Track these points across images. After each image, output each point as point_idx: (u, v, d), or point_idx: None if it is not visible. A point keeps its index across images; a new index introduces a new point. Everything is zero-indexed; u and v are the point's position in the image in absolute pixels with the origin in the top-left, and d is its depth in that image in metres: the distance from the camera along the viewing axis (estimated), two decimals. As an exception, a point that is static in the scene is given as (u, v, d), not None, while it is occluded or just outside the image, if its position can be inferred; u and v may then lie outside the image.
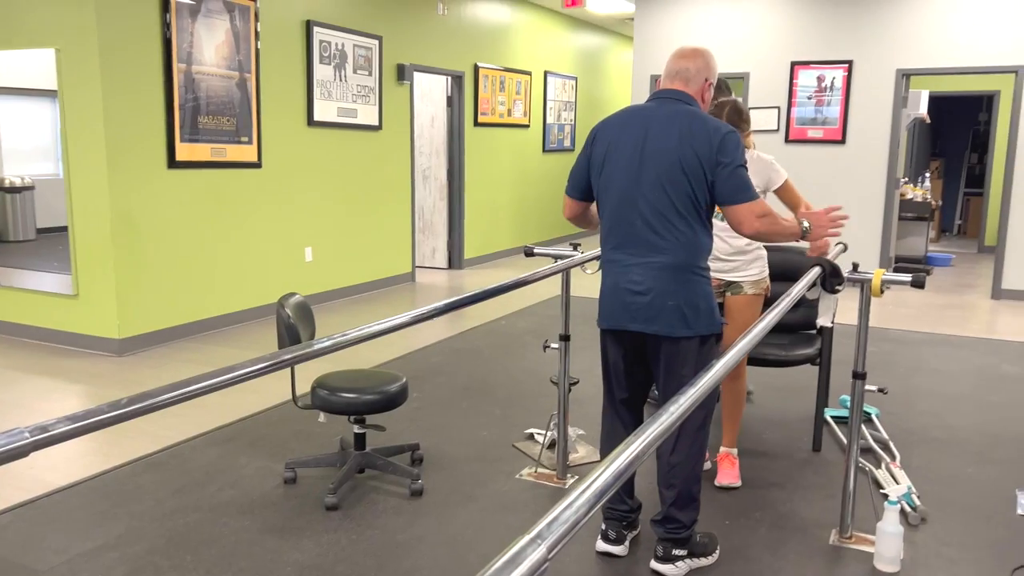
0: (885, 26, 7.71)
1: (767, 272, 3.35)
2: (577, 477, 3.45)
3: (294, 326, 3.05)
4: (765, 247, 3.37)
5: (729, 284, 3.31)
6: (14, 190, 5.63)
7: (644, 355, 2.63)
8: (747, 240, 3.17)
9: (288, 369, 3.22)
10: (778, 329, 3.89)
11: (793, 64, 8.08)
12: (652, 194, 2.42)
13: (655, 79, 8.81)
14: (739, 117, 3.09)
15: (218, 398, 4.37)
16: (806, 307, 3.48)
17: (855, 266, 2.86)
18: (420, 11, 7.79)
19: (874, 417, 4.14)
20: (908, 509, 3.10)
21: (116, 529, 2.92)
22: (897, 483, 3.35)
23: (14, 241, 5.70)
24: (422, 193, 8.75)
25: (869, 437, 3.81)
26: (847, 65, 7.86)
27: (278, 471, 3.43)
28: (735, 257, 3.28)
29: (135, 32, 5.14)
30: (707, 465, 3.35)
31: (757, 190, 3.09)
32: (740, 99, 3.18)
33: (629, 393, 2.74)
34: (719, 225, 3.08)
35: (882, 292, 2.77)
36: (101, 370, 4.93)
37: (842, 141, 7.97)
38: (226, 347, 5.46)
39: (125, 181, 5.18)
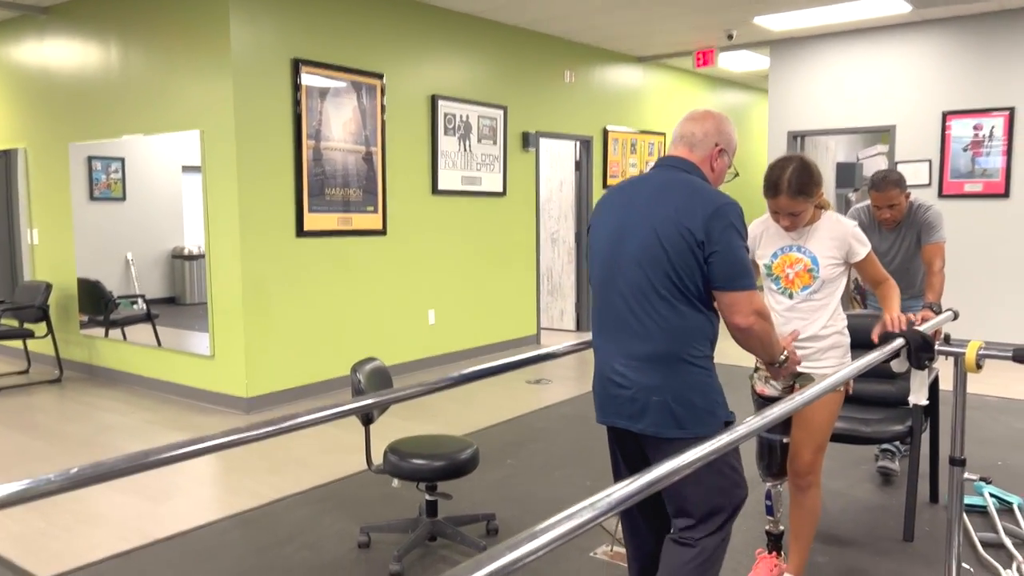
0: (1050, 69, 7.06)
1: (848, 363, 2.90)
2: (655, 558, 3.26)
3: (362, 392, 3.12)
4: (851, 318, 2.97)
5: (798, 375, 2.73)
6: (191, 258, 6.20)
7: (647, 457, 2.21)
8: (822, 323, 2.69)
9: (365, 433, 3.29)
10: (869, 403, 3.55)
11: (945, 114, 7.53)
12: (630, 273, 2.11)
13: (792, 136, 8.49)
14: (808, 177, 2.61)
15: (322, 458, 4.53)
16: (903, 380, 3.17)
17: (947, 338, 2.59)
18: (546, 80, 7.97)
19: (1016, 508, 3.65)
20: (1033, 618, 2.69)
21: (193, 584, 3.06)
22: (1027, 586, 2.92)
23: (189, 304, 6.26)
24: (551, 256, 8.82)
25: (1001, 531, 3.36)
26: (1008, 112, 7.23)
27: (356, 534, 3.49)
28: (806, 344, 2.70)
29: (268, 113, 5.59)
30: None
31: (834, 260, 2.69)
32: (808, 157, 2.76)
33: (643, 508, 2.32)
34: (788, 303, 2.73)
35: (979, 367, 2.47)
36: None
37: (1005, 194, 7.29)
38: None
39: (255, 250, 5.58)
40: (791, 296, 2.72)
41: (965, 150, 7.48)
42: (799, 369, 2.71)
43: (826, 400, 2.71)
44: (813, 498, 2.78)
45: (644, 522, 2.38)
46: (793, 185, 2.57)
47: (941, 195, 7.56)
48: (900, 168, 7.65)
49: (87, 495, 3.98)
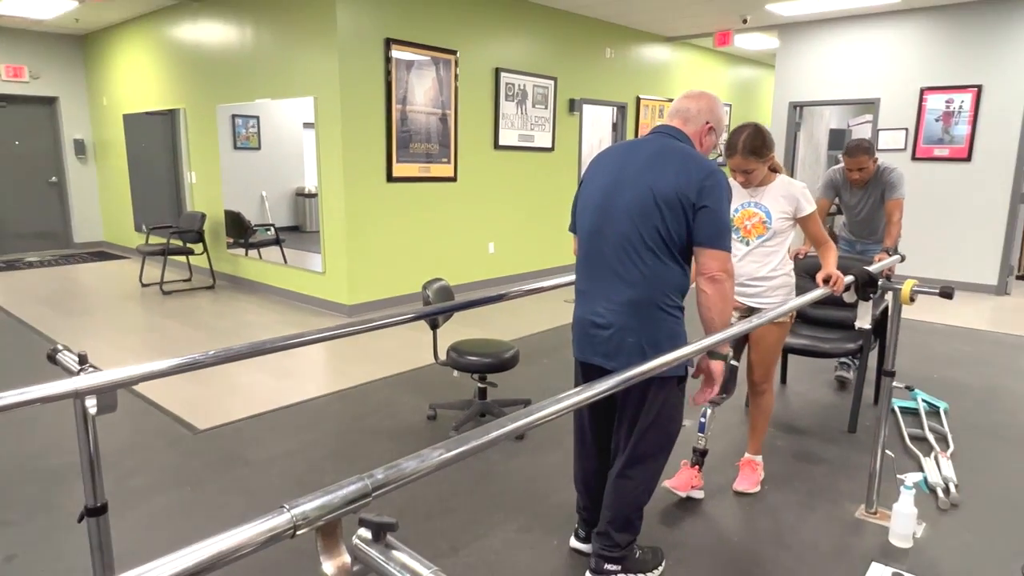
0: (1017, 51, 6.59)
1: (792, 300, 2.85)
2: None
3: (429, 304, 3.26)
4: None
5: (752, 310, 2.74)
6: (310, 195, 6.41)
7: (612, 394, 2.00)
8: (772, 266, 2.66)
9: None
10: (830, 325, 3.56)
11: (922, 89, 7.14)
12: (621, 224, 1.93)
13: (793, 106, 8.16)
14: (761, 142, 2.50)
15: (402, 353, 4.75)
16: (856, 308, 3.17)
17: (888, 276, 2.58)
18: (590, 55, 7.78)
19: (942, 411, 3.66)
20: (941, 495, 2.75)
21: (307, 439, 3.32)
22: (941, 472, 2.97)
23: (308, 232, 6.51)
24: (589, 201, 8.76)
25: (926, 427, 3.39)
26: (976, 89, 6.81)
27: (425, 409, 3.70)
28: (758, 283, 2.70)
29: (366, 82, 5.64)
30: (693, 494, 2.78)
31: (784, 215, 2.64)
32: (763, 125, 2.56)
33: (594, 433, 2.22)
34: (745, 249, 2.69)
35: (912, 300, 2.48)
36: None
37: (967, 159, 6.94)
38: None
39: (355, 191, 5.73)
40: (747, 243, 2.69)
41: (937, 120, 7.10)
42: (752, 305, 2.74)
43: (775, 329, 2.73)
44: (767, 399, 2.84)
45: (594, 444, 2.25)
46: (747, 147, 2.50)
47: (914, 158, 7.23)
48: (881, 134, 7.33)
49: (232, 373, 4.29)
